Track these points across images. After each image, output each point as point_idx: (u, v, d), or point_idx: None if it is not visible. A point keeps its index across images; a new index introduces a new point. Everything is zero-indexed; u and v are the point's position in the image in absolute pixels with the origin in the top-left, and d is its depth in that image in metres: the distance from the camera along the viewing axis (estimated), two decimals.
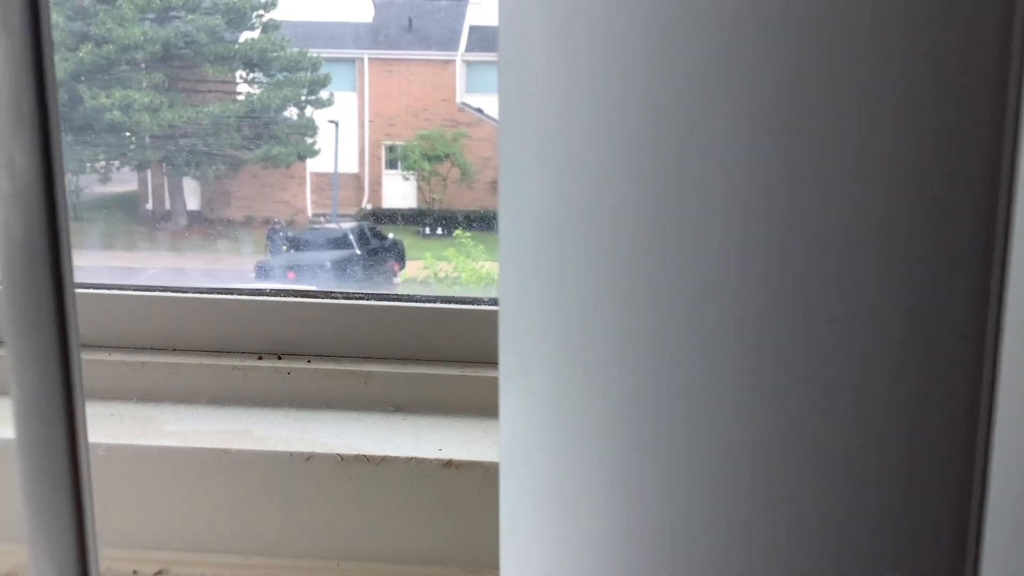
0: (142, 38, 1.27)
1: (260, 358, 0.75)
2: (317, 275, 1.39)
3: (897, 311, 0.34)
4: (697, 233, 0.36)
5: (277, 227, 1.41)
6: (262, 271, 1.39)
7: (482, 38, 1.54)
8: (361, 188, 1.56)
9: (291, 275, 1.38)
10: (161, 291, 0.76)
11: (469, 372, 0.74)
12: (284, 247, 1.39)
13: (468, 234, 1.43)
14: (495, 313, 0.75)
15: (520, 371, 0.43)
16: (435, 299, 0.75)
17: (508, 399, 0.44)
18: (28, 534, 0.29)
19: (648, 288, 0.37)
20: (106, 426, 0.69)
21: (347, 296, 0.75)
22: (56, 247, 0.28)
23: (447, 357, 0.75)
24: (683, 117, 0.35)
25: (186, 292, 0.76)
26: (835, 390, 0.35)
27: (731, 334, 0.36)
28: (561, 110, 0.39)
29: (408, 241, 1.52)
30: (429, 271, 1.45)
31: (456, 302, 0.75)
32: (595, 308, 0.39)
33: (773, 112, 0.34)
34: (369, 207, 1.58)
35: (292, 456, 0.66)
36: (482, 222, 1.53)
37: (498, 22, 0.41)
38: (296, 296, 0.76)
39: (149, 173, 1.41)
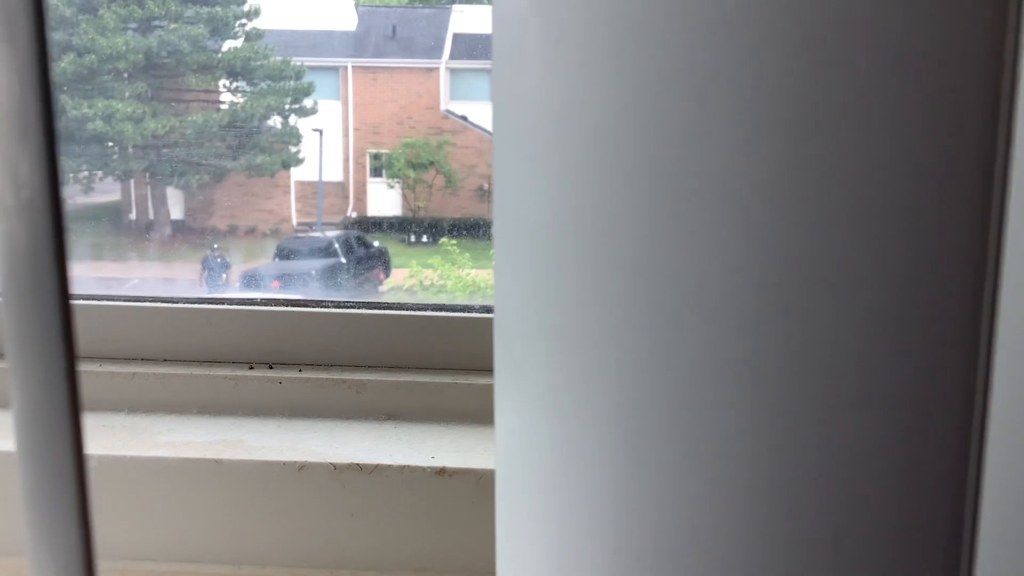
0: (124, 48, 1.27)
1: (251, 367, 0.75)
2: (303, 284, 1.38)
3: (893, 315, 0.35)
4: (694, 239, 0.36)
5: (215, 253, 1.40)
6: (248, 280, 1.38)
7: (466, 46, 1.54)
8: (346, 196, 1.56)
9: (276, 284, 1.38)
10: (151, 301, 0.76)
11: (461, 380, 0.74)
12: (224, 274, 1.37)
13: (454, 242, 1.43)
14: (487, 320, 0.75)
15: (515, 378, 0.43)
16: (426, 307, 0.75)
17: (504, 406, 0.44)
18: (30, 546, 0.29)
19: (645, 294, 0.38)
20: (98, 437, 0.69)
21: (338, 305, 0.75)
22: (60, 258, 0.28)
23: (439, 365, 0.75)
24: (681, 124, 0.36)
25: (176, 302, 0.76)
26: (832, 393, 0.35)
27: (728, 339, 0.36)
28: (557, 118, 0.39)
29: (393, 249, 1.52)
30: (415, 279, 1.45)
31: (447, 310, 0.75)
32: (591, 314, 0.39)
33: (770, 119, 0.34)
34: (354, 215, 1.58)
35: (284, 466, 0.66)
36: (467, 230, 1.53)
37: (492, 31, 0.41)
38: (287, 305, 0.76)
39: (132, 183, 1.40)
